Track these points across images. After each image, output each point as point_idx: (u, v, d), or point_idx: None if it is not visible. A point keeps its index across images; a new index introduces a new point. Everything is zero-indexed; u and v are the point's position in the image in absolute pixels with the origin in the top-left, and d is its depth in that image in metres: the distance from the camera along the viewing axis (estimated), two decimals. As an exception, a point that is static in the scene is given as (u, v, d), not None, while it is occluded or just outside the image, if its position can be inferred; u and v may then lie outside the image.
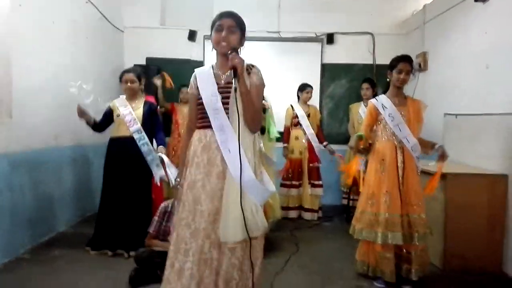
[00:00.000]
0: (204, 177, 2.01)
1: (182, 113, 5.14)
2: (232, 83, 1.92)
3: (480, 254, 3.36)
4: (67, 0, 4.33)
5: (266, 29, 6.01)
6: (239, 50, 2.08)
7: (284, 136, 5.15)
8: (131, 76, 3.69)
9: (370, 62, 6.04)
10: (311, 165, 5.10)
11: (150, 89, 5.01)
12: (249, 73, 2.05)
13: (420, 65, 5.17)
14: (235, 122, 1.96)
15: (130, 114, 3.60)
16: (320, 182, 5.15)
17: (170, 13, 6.34)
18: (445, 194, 3.40)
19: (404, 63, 3.00)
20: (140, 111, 3.66)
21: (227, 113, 2.01)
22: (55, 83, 4.13)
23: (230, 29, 2.03)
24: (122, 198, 3.55)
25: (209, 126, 2.03)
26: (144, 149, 3.57)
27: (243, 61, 1.98)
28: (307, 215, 5.07)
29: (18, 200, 3.54)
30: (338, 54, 6.07)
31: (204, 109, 2.04)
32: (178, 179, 2.17)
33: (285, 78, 5.92)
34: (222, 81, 2.08)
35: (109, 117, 3.76)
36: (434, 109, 4.02)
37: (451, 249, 3.38)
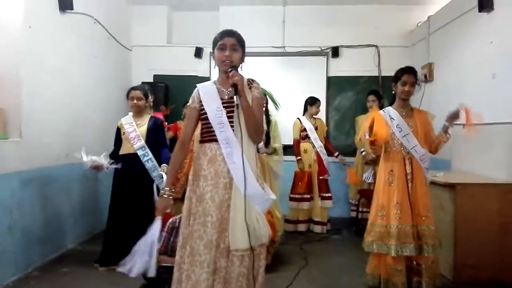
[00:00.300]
0: (213, 189, 2.09)
1: None
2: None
3: (491, 265, 3.31)
4: (76, 20, 4.41)
5: (271, 44, 6.08)
6: (240, 66, 2.18)
7: (294, 150, 5.15)
8: (138, 93, 3.72)
9: (376, 74, 6.06)
10: (320, 177, 5.09)
11: (157, 106, 5.07)
12: (250, 88, 2.17)
13: (426, 76, 5.17)
14: (239, 135, 2.07)
15: (134, 131, 3.65)
16: (330, 195, 5.14)
17: (177, 31, 6.46)
18: (455, 204, 3.37)
19: (408, 75, 3.01)
20: (144, 128, 3.69)
21: (231, 127, 2.10)
22: (65, 102, 4.21)
23: (233, 47, 2.13)
24: (129, 215, 3.56)
25: (214, 140, 2.12)
26: (148, 165, 3.60)
27: (243, 78, 2.08)
28: (317, 228, 5.03)
29: (28, 218, 3.58)
30: (343, 67, 6.10)
31: (209, 123, 2.12)
32: (167, 189, 2.20)
33: (291, 92, 5.96)
34: (226, 96, 2.17)
35: (119, 136, 3.80)
36: (441, 119, 3.97)
37: (461, 260, 3.33)
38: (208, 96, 2.18)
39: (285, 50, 6.15)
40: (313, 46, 6.11)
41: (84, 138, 4.53)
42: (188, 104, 2.27)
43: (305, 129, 5.14)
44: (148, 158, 3.60)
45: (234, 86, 2.01)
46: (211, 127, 2.12)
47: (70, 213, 4.29)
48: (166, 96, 5.85)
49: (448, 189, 3.47)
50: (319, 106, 5.24)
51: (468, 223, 3.33)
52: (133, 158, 3.61)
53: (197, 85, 2.28)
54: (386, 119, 3.04)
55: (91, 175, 4.68)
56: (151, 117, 3.82)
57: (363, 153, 5.13)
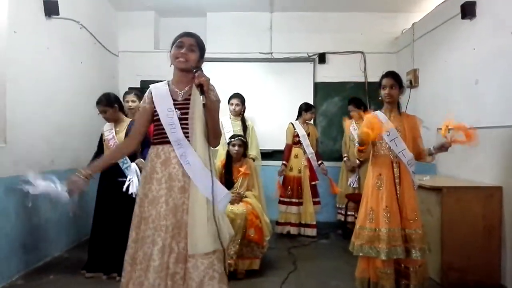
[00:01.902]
0: (167, 193, 2.07)
1: None
2: (190, 99, 2.10)
3: (478, 267, 3.36)
4: (62, 26, 4.38)
5: (258, 50, 6.10)
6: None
7: (284, 154, 5.17)
8: (100, 107, 3.68)
9: (362, 80, 6.13)
10: (312, 183, 5.12)
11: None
12: None
13: (411, 82, 5.25)
14: (194, 135, 2.08)
15: (113, 139, 3.65)
16: (318, 199, 5.20)
17: (164, 37, 6.45)
18: (441, 207, 3.41)
19: (386, 78, 3.05)
20: (123, 134, 3.67)
21: (184, 128, 2.10)
22: (51, 108, 4.16)
23: (191, 47, 2.14)
24: (113, 221, 3.52)
25: (167, 142, 2.11)
26: (128, 172, 3.57)
27: (209, 79, 2.05)
28: (308, 231, 5.05)
29: (13, 225, 3.51)
30: (330, 73, 6.17)
31: (161, 124, 2.12)
32: (87, 171, 2.13)
33: (278, 98, 6.01)
34: (180, 97, 2.17)
35: (101, 143, 3.80)
36: (427, 124, 4.05)
37: (448, 263, 3.37)
38: (160, 97, 2.17)
39: (272, 56, 6.18)
40: (300, 52, 6.17)
41: (69, 144, 4.49)
42: (141, 104, 2.27)
43: (297, 135, 5.15)
44: (127, 165, 3.58)
45: (200, 86, 1.99)
46: (163, 128, 2.10)
47: (56, 220, 4.22)
48: (153, 102, 5.82)
49: (434, 192, 3.52)
50: (314, 112, 5.29)
51: (455, 226, 3.38)
52: (115, 165, 3.53)
53: (150, 85, 2.27)
54: (381, 119, 3.05)
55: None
56: (131, 121, 3.76)
57: (345, 159, 5.23)
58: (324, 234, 5.19)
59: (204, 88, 1.98)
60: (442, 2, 4.65)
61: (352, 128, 5.22)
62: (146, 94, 2.23)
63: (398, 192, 2.96)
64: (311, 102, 5.90)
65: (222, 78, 5.86)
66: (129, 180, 3.47)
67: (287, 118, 5.37)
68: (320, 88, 6.20)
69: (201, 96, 1.99)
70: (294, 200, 5.06)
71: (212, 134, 2.11)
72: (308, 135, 5.16)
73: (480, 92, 3.80)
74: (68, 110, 4.53)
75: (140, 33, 6.16)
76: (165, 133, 2.10)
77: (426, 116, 4.65)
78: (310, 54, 6.18)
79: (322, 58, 6.15)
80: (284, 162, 5.13)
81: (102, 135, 3.79)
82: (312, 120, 5.44)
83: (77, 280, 3.52)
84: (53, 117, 4.20)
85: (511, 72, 3.37)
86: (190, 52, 2.13)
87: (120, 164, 3.57)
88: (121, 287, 2.13)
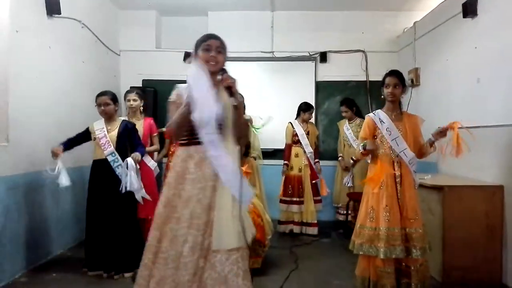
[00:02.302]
0: (199, 192, 2.11)
1: None
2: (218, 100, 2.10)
3: (479, 266, 3.36)
4: (64, 25, 4.39)
5: (260, 49, 6.11)
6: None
7: (285, 153, 5.21)
8: (104, 99, 3.66)
9: (364, 79, 6.13)
10: (313, 181, 5.15)
11: (146, 110, 5.05)
12: None
13: (412, 81, 5.25)
14: (226, 136, 2.14)
15: (104, 137, 3.61)
16: (319, 198, 5.22)
17: (166, 36, 6.47)
18: (442, 206, 3.42)
19: (390, 77, 3.05)
20: (114, 133, 3.65)
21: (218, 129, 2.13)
22: (53, 107, 4.17)
23: (218, 49, 2.19)
24: (106, 220, 3.52)
25: (199, 143, 2.12)
26: (119, 171, 3.56)
27: (236, 80, 2.10)
28: (310, 230, 5.07)
29: (16, 223, 3.53)
30: (331, 72, 6.16)
31: (193, 125, 2.10)
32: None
33: (279, 97, 6.02)
34: None
35: (82, 137, 3.75)
36: (428, 123, 4.03)
37: (450, 262, 3.38)
38: (198, 80, 2.14)
39: (273, 55, 6.19)
40: (302, 51, 6.17)
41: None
42: (172, 99, 2.22)
43: (296, 134, 5.17)
44: (118, 164, 3.57)
45: (229, 88, 2.05)
46: (195, 129, 2.11)
47: (58, 218, 4.24)
48: (155, 101, 5.84)
49: (435, 191, 3.52)
50: (312, 113, 5.29)
51: (456, 225, 3.38)
52: (105, 163, 3.59)
53: (177, 85, 2.27)
54: (376, 122, 3.07)
55: (78, 181, 4.64)
56: (123, 121, 3.79)
57: (339, 159, 5.27)
58: (325, 233, 5.20)
59: (232, 89, 2.06)
60: (444, 1, 4.64)
61: (345, 128, 5.28)
62: (177, 92, 2.22)
63: (398, 191, 2.96)
64: (313, 101, 5.91)
65: (223, 77, 5.91)
66: (128, 176, 3.47)
67: (289, 117, 5.37)
68: (322, 87, 6.20)
69: (230, 98, 2.07)
70: (295, 199, 5.08)
71: (241, 134, 2.21)
72: (308, 134, 5.18)
73: (482, 91, 3.80)
74: (70, 109, 4.54)
75: (142, 32, 6.17)
76: (197, 134, 2.11)
77: (427, 115, 4.64)
78: (311, 53, 6.18)
79: (323, 57, 6.15)
80: (285, 162, 5.16)
81: (87, 132, 3.74)
82: (313, 120, 5.45)
83: (80, 278, 3.53)
84: (55, 116, 4.21)
85: (513, 71, 3.37)
86: (218, 54, 2.19)
87: (111, 163, 3.56)
88: (139, 286, 2.15)
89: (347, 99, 5.43)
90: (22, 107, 3.65)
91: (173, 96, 2.23)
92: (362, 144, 3.06)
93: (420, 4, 5.66)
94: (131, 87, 5.33)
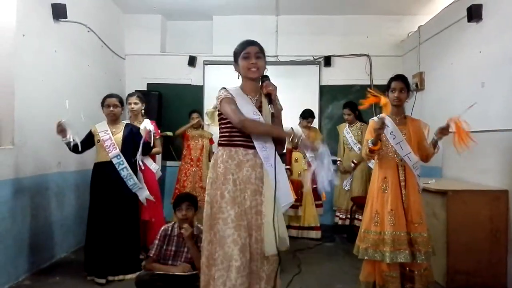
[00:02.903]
0: (241, 194, 2.15)
1: (194, 138, 5.22)
2: (262, 106, 2.21)
3: (484, 270, 3.34)
4: (69, 29, 4.43)
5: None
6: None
7: (286, 158, 5.23)
8: (113, 100, 3.67)
9: (368, 83, 6.11)
10: (314, 186, 5.12)
11: (150, 113, 5.08)
12: None
13: (417, 85, 5.24)
14: (269, 141, 2.23)
15: (109, 140, 3.59)
16: (320, 202, 5.28)
17: (171, 40, 6.50)
18: (447, 211, 3.40)
19: (396, 82, 3.05)
20: (119, 136, 3.64)
21: None
22: (58, 110, 4.17)
23: (257, 55, 2.23)
24: (108, 223, 3.49)
25: (241, 145, 2.18)
26: (123, 173, 3.56)
27: (276, 88, 2.18)
28: (312, 234, 5.12)
29: (20, 226, 3.55)
30: (335, 76, 6.18)
31: (235, 126, 2.16)
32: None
33: (283, 101, 5.93)
34: (254, 104, 2.26)
35: (88, 140, 3.68)
36: (432, 127, 4.03)
37: (454, 267, 3.36)
38: (241, 99, 2.22)
39: (278, 59, 6.20)
40: (306, 55, 6.19)
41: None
42: (223, 95, 2.20)
43: None
44: (123, 167, 3.56)
45: (268, 95, 2.12)
46: (237, 130, 2.17)
47: (62, 222, 4.26)
48: (159, 105, 5.87)
49: (440, 195, 3.51)
50: (310, 122, 5.30)
51: (460, 229, 3.36)
52: (109, 165, 3.56)
53: (224, 87, 2.27)
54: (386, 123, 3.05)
55: (82, 184, 4.66)
56: (127, 124, 3.79)
57: (338, 163, 5.27)
58: (328, 237, 5.20)
59: (272, 97, 2.13)
60: (449, 5, 4.64)
61: (346, 132, 5.27)
62: (222, 92, 2.23)
63: (403, 195, 2.95)
64: (317, 105, 5.93)
65: (228, 81, 5.91)
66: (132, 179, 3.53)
67: (293, 121, 5.36)
68: (326, 91, 6.20)
69: (269, 106, 2.13)
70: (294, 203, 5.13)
71: (279, 140, 2.25)
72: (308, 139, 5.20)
73: (487, 95, 3.79)
74: (75, 113, 4.55)
75: (147, 36, 6.21)
76: (239, 136, 2.17)
77: (432, 119, 4.63)
78: (315, 57, 6.19)
79: (327, 61, 6.16)
80: (287, 166, 5.18)
81: (90, 134, 3.69)
82: (316, 124, 5.45)
83: (84, 281, 3.54)
84: (60, 119, 4.23)
85: (518, 75, 3.36)
86: (258, 60, 2.22)
87: (116, 165, 3.54)
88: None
89: (350, 102, 5.42)
90: (28, 110, 3.68)
91: (223, 93, 2.22)
92: (370, 140, 3.03)
93: (424, 8, 5.66)
94: (135, 91, 5.35)
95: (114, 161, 3.55)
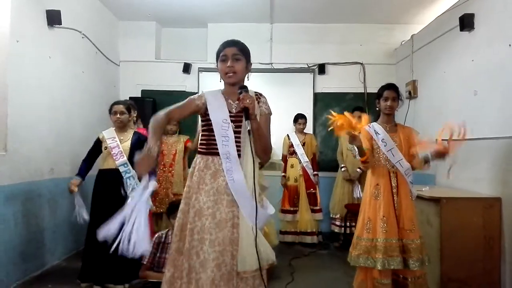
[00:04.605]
0: (214, 205, 1.99)
1: (168, 144, 4.95)
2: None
3: (477, 278, 3.34)
4: (64, 35, 4.42)
5: (259, 61, 6.13)
6: (246, 76, 2.12)
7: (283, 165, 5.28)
8: (121, 107, 3.64)
9: (361, 91, 6.17)
10: (307, 191, 5.25)
11: (145, 120, 5.05)
12: (258, 102, 2.05)
13: (410, 93, 5.28)
14: (244, 151, 2.02)
15: (117, 147, 3.55)
16: (319, 207, 5.29)
17: (165, 47, 6.51)
18: (440, 218, 3.41)
19: (389, 91, 3.08)
20: (127, 144, 3.60)
21: (237, 142, 2.02)
22: (51, 116, 4.18)
23: (234, 57, 2.05)
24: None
25: (217, 153, 2.02)
26: (129, 182, 3.49)
27: (254, 100, 1.95)
28: (308, 239, 5.15)
29: (12, 233, 3.51)
30: (330, 84, 6.22)
31: (213, 135, 2.03)
32: (154, 148, 1.96)
33: (278, 108, 5.96)
34: (234, 110, 2.08)
35: (96, 148, 3.66)
36: (426, 135, 4.07)
37: (448, 274, 3.36)
38: (216, 106, 2.07)
39: (272, 66, 6.23)
40: (300, 63, 6.22)
41: (69, 153, 4.50)
42: (192, 98, 2.13)
43: (292, 145, 5.30)
44: (129, 175, 3.50)
45: (245, 110, 1.88)
46: (215, 139, 2.02)
47: (55, 229, 4.22)
48: (153, 111, 5.83)
49: (433, 203, 3.52)
50: (301, 123, 5.33)
51: (454, 236, 3.37)
52: (115, 173, 3.50)
53: (203, 91, 2.18)
54: (372, 134, 3.08)
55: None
56: (135, 132, 3.75)
57: (343, 170, 5.24)
58: (324, 244, 5.20)
59: (250, 111, 1.88)
60: (441, 14, 4.69)
61: None
62: (201, 95, 2.13)
63: (395, 202, 2.96)
64: (311, 112, 5.95)
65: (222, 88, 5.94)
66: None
67: (287, 128, 5.41)
68: (320, 99, 6.23)
69: (246, 122, 1.90)
70: (289, 208, 5.26)
71: (262, 151, 2.03)
72: (304, 144, 5.26)
73: (479, 103, 3.82)
74: (68, 119, 4.55)
75: (142, 43, 6.21)
76: (216, 144, 2.01)
77: (425, 127, 4.69)
78: (310, 65, 6.23)
79: (322, 68, 6.19)
80: (283, 174, 5.28)
81: (99, 141, 3.66)
82: (310, 131, 5.48)
83: (75, 289, 3.50)
84: (54, 125, 4.22)
85: (510, 83, 3.39)
86: (236, 62, 2.05)
87: (123, 174, 3.48)
88: None
89: (361, 107, 5.41)
90: (21, 117, 3.67)
91: (196, 95, 2.15)
92: (357, 152, 3.05)
93: (417, 17, 5.73)
94: (130, 98, 5.35)
95: (121, 169, 3.50)
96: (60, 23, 4.18)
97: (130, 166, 3.50)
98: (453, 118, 4.29)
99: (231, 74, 2.04)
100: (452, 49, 4.39)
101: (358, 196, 5.05)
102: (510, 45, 3.38)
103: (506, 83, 3.44)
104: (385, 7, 5.53)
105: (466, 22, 3.95)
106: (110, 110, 3.69)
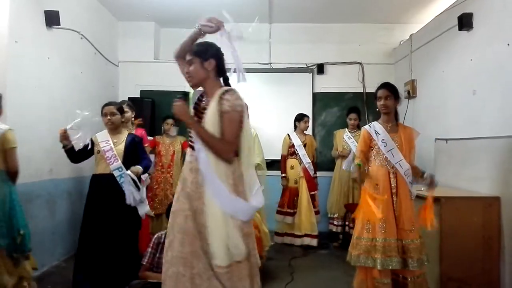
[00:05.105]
0: (185, 201, 2.06)
1: (165, 145, 5.00)
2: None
3: (477, 277, 3.34)
4: (63, 36, 4.42)
5: (257, 61, 6.15)
6: (214, 71, 2.16)
7: (281, 165, 5.23)
8: (111, 108, 3.47)
9: (360, 90, 6.17)
10: (311, 193, 5.13)
11: (146, 121, 5.06)
12: (221, 100, 2.05)
13: (409, 93, 5.29)
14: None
15: (111, 150, 3.36)
16: (317, 209, 5.20)
17: (164, 47, 6.50)
18: (440, 218, 3.40)
19: (381, 90, 3.09)
20: (121, 146, 3.42)
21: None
22: (50, 117, 4.17)
23: (188, 62, 2.16)
24: (104, 237, 3.25)
25: (191, 146, 2.11)
26: (125, 187, 3.30)
27: (186, 109, 2.06)
28: (307, 240, 5.03)
29: (11, 234, 3.49)
30: (328, 84, 6.22)
31: None
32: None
33: (277, 107, 6.05)
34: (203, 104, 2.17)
35: (88, 149, 3.45)
36: (425, 134, 4.09)
37: (447, 273, 3.36)
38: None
39: (271, 66, 6.23)
40: (299, 63, 6.22)
41: (69, 154, 4.48)
42: (169, 121, 2.29)
43: (293, 145, 5.18)
44: (124, 180, 3.32)
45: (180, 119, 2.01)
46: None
47: (54, 229, 4.22)
48: (152, 112, 5.86)
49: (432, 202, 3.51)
50: (307, 121, 5.28)
51: (453, 236, 3.37)
52: (109, 179, 3.32)
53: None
54: (372, 134, 3.08)
55: (75, 192, 4.63)
56: (129, 134, 3.59)
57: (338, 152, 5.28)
58: (323, 244, 5.18)
59: (183, 120, 2.02)
60: (440, 14, 4.69)
61: (347, 137, 5.22)
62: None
63: (394, 202, 2.97)
64: (310, 112, 5.94)
65: (221, 88, 5.94)
66: (128, 191, 3.28)
67: (286, 128, 5.39)
68: (319, 98, 6.24)
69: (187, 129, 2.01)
70: (289, 210, 5.09)
71: (214, 153, 1.99)
72: (305, 145, 5.19)
73: (478, 102, 3.82)
74: (67, 120, 4.52)
75: (140, 43, 6.21)
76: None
77: (424, 127, 4.69)
78: (309, 65, 6.23)
79: (320, 68, 6.19)
80: (283, 174, 5.19)
81: (92, 142, 3.47)
82: (310, 131, 5.46)
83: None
84: (53, 126, 4.19)
85: (509, 82, 3.39)
86: (189, 66, 2.14)
87: (118, 178, 3.30)
88: None
89: (356, 107, 5.43)
90: (20, 117, 3.65)
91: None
92: (357, 163, 3.06)
93: (416, 17, 5.73)
94: (128, 98, 5.35)
95: (116, 173, 3.31)
96: (58, 24, 4.17)
97: (125, 170, 3.32)
98: (452, 117, 4.31)
99: (189, 79, 2.16)
100: (451, 49, 4.39)
101: (345, 167, 4.90)
102: (508, 44, 3.39)
103: (505, 82, 3.44)
104: (383, 7, 5.54)
105: (465, 22, 3.95)
106: (101, 112, 3.55)
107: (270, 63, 6.23)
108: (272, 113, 6.03)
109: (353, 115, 5.27)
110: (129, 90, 6.10)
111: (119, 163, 3.34)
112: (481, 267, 3.36)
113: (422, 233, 3.02)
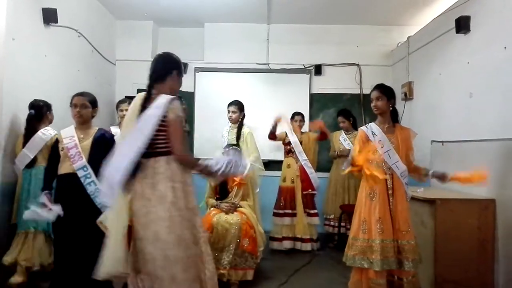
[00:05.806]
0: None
1: None
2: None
3: (471, 279, 3.35)
4: (60, 33, 4.41)
5: (255, 61, 6.15)
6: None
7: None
8: (81, 99, 3.03)
9: (358, 92, 6.18)
10: (304, 192, 4.96)
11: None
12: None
13: (406, 94, 5.30)
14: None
15: (75, 148, 2.94)
16: (316, 211, 5.02)
17: (162, 46, 6.48)
18: (435, 219, 3.42)
19: (373, 92, 3.12)
20: (88, 142, 3.00)
21: None
22: (46, 115, 4.15)
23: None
24: (76, 246, 2.81)
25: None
26: (90, 189, 2.89)
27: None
28: (305, 246, 4.84)
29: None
30: (326, 85, 6.22)
31: None
32: None
33: (274, 108, 6.00)
34: None
35: (56, 151, 3.04)
36: (421, 136, 4.09)
37: (442, 275, 3.37)
38: None
39: (269, 67, 6.23)
40: (297, 64, 6.23)
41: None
42: None
43: (289, 143, 5.10)
44: (90, 181, 2.89)
45: None
46: None
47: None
48: (149, 111, 5.84)
49: (428, 204, 3.53)
50: (299, 120, 5.21)
51: (448, 238, 3.38)
52: (73, 179, 2.90)
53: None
54: (368, 135, 3.09)
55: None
56: (99, 129, 3.15)
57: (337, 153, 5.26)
58: (320, 245, 5.14)
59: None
60: (437, 16, 4.71)
61: (342, 139, 5.24)
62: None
63: (391, 204, 2.98)
64: (307, 113, 5.94)
65: (218, 88, 5.94)
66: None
67: (283, 129, 5.38)
68: (316, 99, 6.24)
69: None
70: (287, 211, 4.90)
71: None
72: (301, 143, 5.09)
73: (475, 105, 3.84)
74: (64, 118, 4.51)
75: (138, 42, 6.20)
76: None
77: (420, 129, 4.69)
78: (306, 66, 6.24)
79: (318, 69, 6.20)
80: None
81: (56, 142, 3.09)
82: (305, 129, 5.42)
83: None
84: (50, 125, 4.19)
85: (505, 85, 3.40)
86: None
87: (82, 179, 2.90)
88: None
89: (343, 110, 5.43)
90: (16, 115, 3.65)
91: None
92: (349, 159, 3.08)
93: (414, 19, 5.75)
94: (125, 97, 5.33)
95: (80, 173, 2.89)
96: (56, 22, 4.16)
97: (90, 170, 2.91)
98: (448, 120, 4.32)
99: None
100: (448, 51, 4.41)
101: (345, 167, 4.82)
102: (505, 47, 3.40)
103: (501, 85, 3.45)
104: (381, 9, 5.55)
105: (462, 25, 3.96)
106: (70, 103, 3.10)
107: (268, 64, 6.23)
108: (269, 114, 6.00)
109: (340, 118, 5.30)
110: (126, 88, 6.06)
111: (83, 161, 2.92)
112: (476, 269, 3.37)
113: (417, 235, 3.03)
